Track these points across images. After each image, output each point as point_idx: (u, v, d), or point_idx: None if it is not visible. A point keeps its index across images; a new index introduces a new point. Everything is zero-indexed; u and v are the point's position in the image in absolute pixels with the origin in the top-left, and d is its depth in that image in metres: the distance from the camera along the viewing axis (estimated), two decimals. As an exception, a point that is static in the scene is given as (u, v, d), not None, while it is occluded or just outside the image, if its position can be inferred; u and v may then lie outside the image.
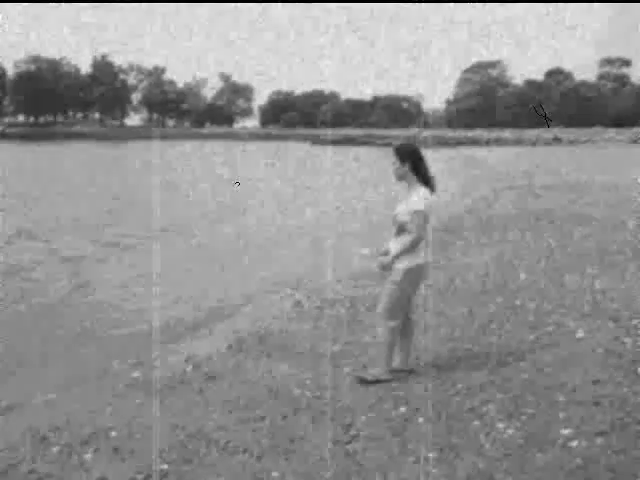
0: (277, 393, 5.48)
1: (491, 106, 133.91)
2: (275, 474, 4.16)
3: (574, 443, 4.24)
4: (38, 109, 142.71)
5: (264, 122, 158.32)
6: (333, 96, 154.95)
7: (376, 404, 5.12)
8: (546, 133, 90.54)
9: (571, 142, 76.63)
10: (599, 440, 4.25)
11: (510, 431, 4.50)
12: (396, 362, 5.73)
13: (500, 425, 4.59)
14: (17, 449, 4.70)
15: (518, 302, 7.82)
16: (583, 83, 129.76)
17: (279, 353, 6.57)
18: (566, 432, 4.39)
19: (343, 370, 5.95)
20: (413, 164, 5.39)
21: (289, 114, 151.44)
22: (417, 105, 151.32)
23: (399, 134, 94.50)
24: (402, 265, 5.35)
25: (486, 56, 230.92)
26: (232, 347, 6.92)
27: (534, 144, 77.28)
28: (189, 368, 6.33)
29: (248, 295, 9.84)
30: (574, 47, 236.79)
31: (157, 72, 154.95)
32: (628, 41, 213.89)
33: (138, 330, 8.24)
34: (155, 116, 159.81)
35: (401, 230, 5.37)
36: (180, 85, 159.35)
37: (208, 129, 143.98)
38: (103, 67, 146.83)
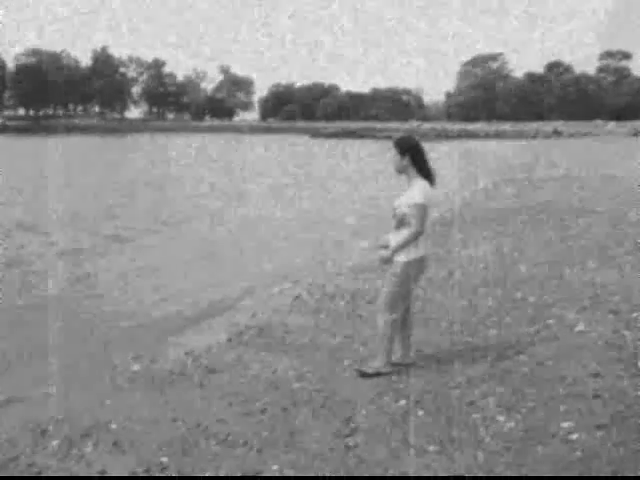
0: (277, 386, 5.48)
1: (491, 99, 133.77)
2: (275, 467, 4.16)
3: (574, 436, 4.24)
4: (38, 102, 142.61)
5: (264, 115, 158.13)
6: (333, 89, 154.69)
7: (376, 397, 5.12)
8: (546, 126, 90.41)
9: (571, 135, 76.52)
10: (599, 433, 4.25)
11: (510, 424, 4.49)
12: (396, 355, 5.72)
13: (500, 418, 4.59)
14: (17, 442, 4.70)
15: (518, 295, 7.82)
16: (583, 76, 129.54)
17: (279, 346, 6.57)
18: (566, 425, 4.39)
19: (343, 363, 5.95)
20: (413, 157, 5.37)
21: (289, 107, 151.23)
22: (417, 98, 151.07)
23: (399, 127, 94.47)
24: (402, 258, 5.34)
25: (486, 49, 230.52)
26: (232, 340, 6.93)
27: (534, 137, 77.20)
28: (189, 361, 6.34)
29: (248, 288, 9.83)
30: (574, 40, 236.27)
31: (157, 65, 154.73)
32: (629, 34, 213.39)
33: (138, 323, 8.25)
34: (155, 109, 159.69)
35: (401, 223, 5.36)
36: (180, 78, 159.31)
37: (208, 122, 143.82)
38: (103, 60, 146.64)
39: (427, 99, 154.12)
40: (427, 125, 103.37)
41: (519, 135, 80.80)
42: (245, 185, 27.00)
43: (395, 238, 5.39)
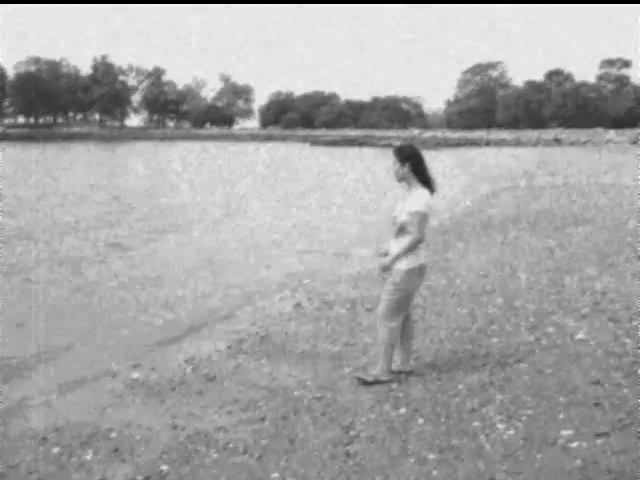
0: (277, 394, 5.48)
1: (491, 107, 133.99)
2: (275, 475, 4.16)
3: (574, 444, 4.24)
4: (38, 110, 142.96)
5: (264, 123, 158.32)
6: (333, 97, 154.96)
7: (376, 405, 5.12)
8: (546, 134, 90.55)
9: (571, 143, 76.70)
10: (599, 441, 4.24)
11: (510, 432, 4.49)
12: (396, 363, 5.73)
13: (500, 426, 4.59)
14: (17, 450, 4.70)
15: (518, 303, 7.82)
16: (583, 84, 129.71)
17: (279, 354, 6.57)
18: (566, 433, 4.39)
19: (343, 371, 5.95)
20: (413, 165, 5.39)
21: (289, 115, 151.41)
22: (417, 106, 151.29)
23: (399, 135, 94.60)
24: (402, 266, 5.35)
25: (486, 57, 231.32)
26: (232, 348, 6.93)
27: (534, 145, 77.31)
28: (189, 369, 6.34)
29: (248, 296, 9.83)
30: (574, 48, 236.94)
31: (157, 73, 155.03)
32: (628, 42, 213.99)
33: (138, 331, 8.24)
34: (155, 117, 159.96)
35: (401, 231, 5.37)
36: (180, 86, 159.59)
37: (208, 130, 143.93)
38: (103, 68, 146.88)
39: (427, 107, 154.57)
40: (427, 133, 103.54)
41: (519, 143, 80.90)
42: (245, 193, 27.01)
43: (395, 246, 5.40)
